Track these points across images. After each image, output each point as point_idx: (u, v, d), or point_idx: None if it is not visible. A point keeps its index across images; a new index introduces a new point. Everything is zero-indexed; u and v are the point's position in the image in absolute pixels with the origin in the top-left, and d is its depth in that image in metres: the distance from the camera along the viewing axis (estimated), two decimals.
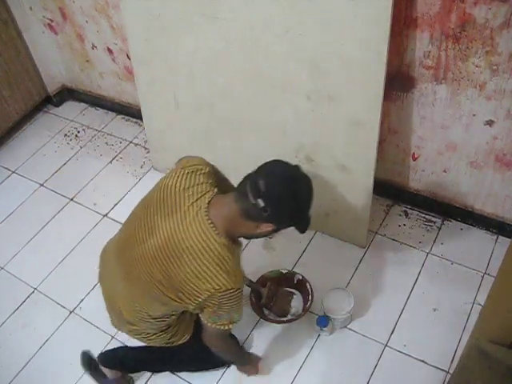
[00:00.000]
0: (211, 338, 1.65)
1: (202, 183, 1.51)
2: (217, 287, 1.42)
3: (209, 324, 1.55)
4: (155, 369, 1.99)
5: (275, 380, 1.93)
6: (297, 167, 1.49)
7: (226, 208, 1.44)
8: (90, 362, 1.95)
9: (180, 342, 1.78)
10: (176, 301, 1.50)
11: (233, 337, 1.89)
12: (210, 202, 1.47)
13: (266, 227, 1.45)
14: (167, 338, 1.74)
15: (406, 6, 1.74)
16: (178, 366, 1.97)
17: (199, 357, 1.88)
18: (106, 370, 1.93)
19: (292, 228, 1.57)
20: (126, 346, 2.02)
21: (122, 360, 1.95)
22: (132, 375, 1.99)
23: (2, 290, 2.34)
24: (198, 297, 1.45)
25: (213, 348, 1.69)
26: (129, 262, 1.57)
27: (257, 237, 1.54)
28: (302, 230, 1.58)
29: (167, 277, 1.47)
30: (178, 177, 1.52)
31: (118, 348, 2.02)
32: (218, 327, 1.55)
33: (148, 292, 1.54)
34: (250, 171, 1.47)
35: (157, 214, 1.50)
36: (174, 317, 1.68)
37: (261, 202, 1.37)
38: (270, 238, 1.87)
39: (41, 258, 2.43)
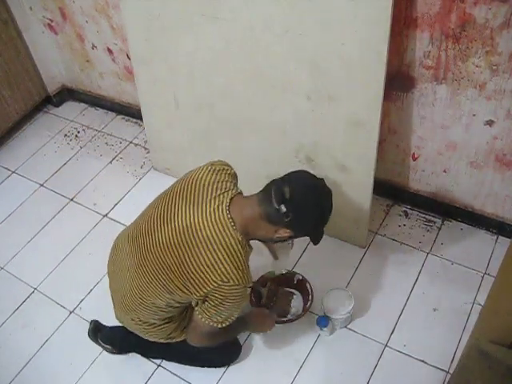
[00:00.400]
0: (198, 337, 1.68)
1: (227, 181, 1.57)
2: (225, 280, 1.44)
3: (203, 319, 1.56)
4: (152, 355, 2.01)
5: (275, 380, 1.93)
6: (322, 180, 1.54)
7: (247, 208, 1.49)
8: (95, 330, 1.99)
9: (179, 339, 1.79)
10: (182, 290, 1.52)
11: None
12: (232, 198, 1.51)
13: (284, 233, 1.49)
14: (167, 332, 1.75)
15: (406, 5, 1.74)
16: (177, 357, 1.98)
17: (200, 355, 1.89)
18: (104, 345, 1.99)
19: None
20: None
21: (121, 341, 1.96)
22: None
23: (2, 290, 2.34)
24: (205, 287, 1.47)
25: (199, 345, 1.72)
26: (142, 248, 1.59)
27: (273, 241, 1.58)
28: (316, 242, 1.62)
29: (179, 263, 1.49)
30: (206, 171, 1.58)
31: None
32: (211, 324, 1.56)
33: (157, 279, 1.55)
34: (276, 177, 1.51)
35: (179, 202, 1.53)
36: (176, 309, 1.68)
37: (283, 208, 1.42)
38: (290, 245, 1.90)
39: (41, 258, 2.43)
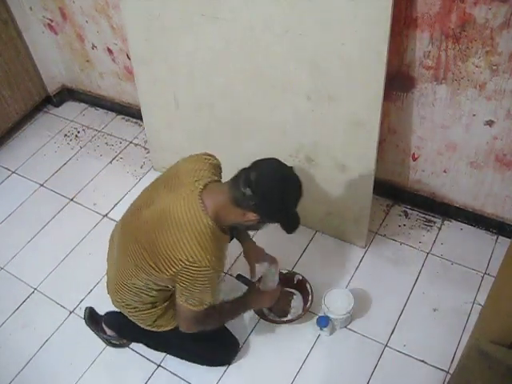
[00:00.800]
0: (185, 322, 1.71)
1: (205, 170, 1.64)
2: (191, 259, 1.49)
3: (181, 302, 1.62)
4: (150, 346, 2.02)
5: (275, 380, 1.93)
6: (290, 168, 1.57)
7: (219, 194, 1.56)
8: (92, 316, 2.07)
9: (167, 328, 1.82)
10: (155, 269, 1.58)
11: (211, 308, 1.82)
12: (206, 185, 1.58)
13: (252, 216, 1.53)
14: (152, 319, 1.80)
15: (406, 5, 1.74)
16: (174, 350, 2.00)
17: (198, 351, 1.93)
18: (106, 328, 2.03)
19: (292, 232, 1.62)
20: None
21: (121, 325, 1.97)
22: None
23: (2, 290, 2.34)
24: (174, 266, 1.53)
25: (191, 331, 1.73)
26: (126, 232, 1.71)
27: (245, 227, 1.63)
28: (288, 231, 1.66)
29: (151, 242, 1.56)
30: (188, 160, 1.68)
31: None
32: (188, 307, 1.61)
33: (133, 258, 1.63)
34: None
35: (160, 188, 1.65)
36: (157, 293, 1.72)
37: (248, 191, 1.47)
38: (276, 281, 1.95)
39: (41, 258, 2.43)
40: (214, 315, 1.74)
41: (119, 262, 1.74)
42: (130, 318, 1.83)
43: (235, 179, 1.54)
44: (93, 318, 2.07)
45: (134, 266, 1.64)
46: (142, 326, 1.83)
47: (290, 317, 2.04)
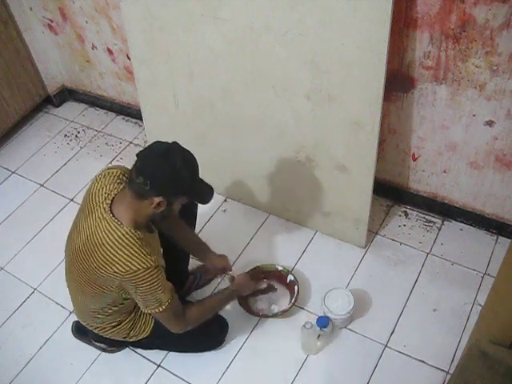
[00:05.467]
0: (170, 325, 1.75)
1: (111, 183, 1.68)
2: (123, 270, 1.55)
3: (146, 311, 1.67)
4: (143, 347, 2.04)
5: (275, 380, 1.93)
6: (174, 142, 1.61)
7: (124, 200, 1.59)
8: (79, 329, 2.07)
9: (141, 337, 1.88)
10: (99, 288, 1.65)
11: (186, 302, 1.89)
12: (113, 199, 1.62)
13: (158, 200, 1.54)
14: (123, 334, 1.86)
15: (406, 6, 1.74)
16: (165, 346, 2.03)
17: (184, 339, 1.94)
18: (95, 343, 2.05)
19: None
20: None
21: (108, 338, 1.96)
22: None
23: (1, 290, 2.34)
24: (113, 281, 1.60)
25: (181, 331, 1.77)
26: (68, 260, 1.75)
27: (161, 216, 1.63)
28: (199, 200, 1.71)
29: (86, 271, 1.63)
30: (96, 181, 1.71)
31: None
32: (155, 311, 1.65)
33: (81, 288, 1.71)
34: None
35: (82, 215, 1.68)
36: (116, 309, 1.76)
37: (141, 178, 1.51)
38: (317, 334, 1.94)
39: (41, 258, 2.43)
40: (195, 308, 1.80)
41: (71, 289, 1.82)
42: (105, 336, 1.87)
43: (130, 178, 1.57)
44: (81, 331, 2.07)
45: (81, 292, 1.73)
46: (117, 339, 1.88)
47: (268, 312, 2.06)
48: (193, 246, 2.04)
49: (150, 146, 1.61)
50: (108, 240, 1.56)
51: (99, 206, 1.62)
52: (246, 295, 2.07)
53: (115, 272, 1.56)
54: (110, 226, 1.57)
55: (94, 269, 1.60)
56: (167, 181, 1.53)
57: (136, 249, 1.56)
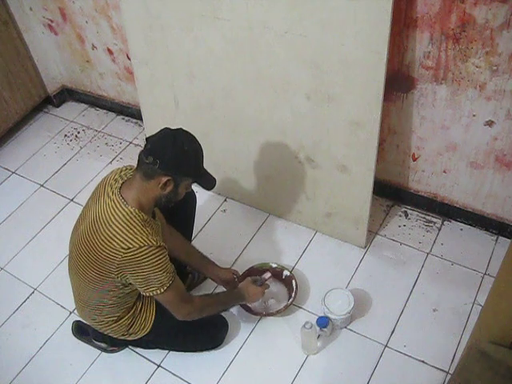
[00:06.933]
0: (171, 307, 1.74)
1: (124, 170, 1.76)
2: (125, 247, 1.57)
3: (146, 294, 1.68)
4: (143, 347, 2.04)
5: (275, 380, 1.93)
6: (180, 128, 1.70)
7: (133, 182, 1.66)
8: (80, 328, 2.09)
9: (141, 335, 1.88)
10: (101, 274, 1.65)
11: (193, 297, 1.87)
12: (123, 183, 1.69)
13: (166, 180, 1.60)
14: (122, 330, 1.85)
15: (406, 6, 1.74)
16: (165, 345, 2.03)
17: (186, 339, 1.97)
18: (96, 342, 2.05)
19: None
20: None
21: (109, 337, 1.96)
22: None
23: (2, 290, 2.34)
24: (114, 259, 1.60)
25: (186, 317, 1.78)
26: (71, 249, 1.78)
27: (168, 197, 1.67)
28: (204, 184, 1.74)
29: (89, 250, 1.65)
30: (109, 175, 1.78)
31: None
32: (156, 294, 1.66)
33: (83, 275, 1.72)
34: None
35: (90, 202, 1.74)
36: (115, 300, 1.76)
37: (150, 158, 1.58)
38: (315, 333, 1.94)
39: (41, 258, 2.43)
40: (201, 297, 1.84)
41: (73, 281, 1.83)
42: (105, 332, 1.87)
43: (139, 161, 1.64)
44: (81, 330, 2.08)
45: (84, 280, 1.73)
46: (117, 337, 1.88)
47: (267, 308, 2.06)
48: (196, 262, 2.05)
49: (160, 131, 1.68)
50: (113, 218, 1.61)
51: (109, 190, 1.67)
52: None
53: (115, 249, 1.58)
54: (115, 205, 1.62)
55: (96, 247, 1.63)
56: (175, 160, 1.60)
57: (139, 228, 1.59)
